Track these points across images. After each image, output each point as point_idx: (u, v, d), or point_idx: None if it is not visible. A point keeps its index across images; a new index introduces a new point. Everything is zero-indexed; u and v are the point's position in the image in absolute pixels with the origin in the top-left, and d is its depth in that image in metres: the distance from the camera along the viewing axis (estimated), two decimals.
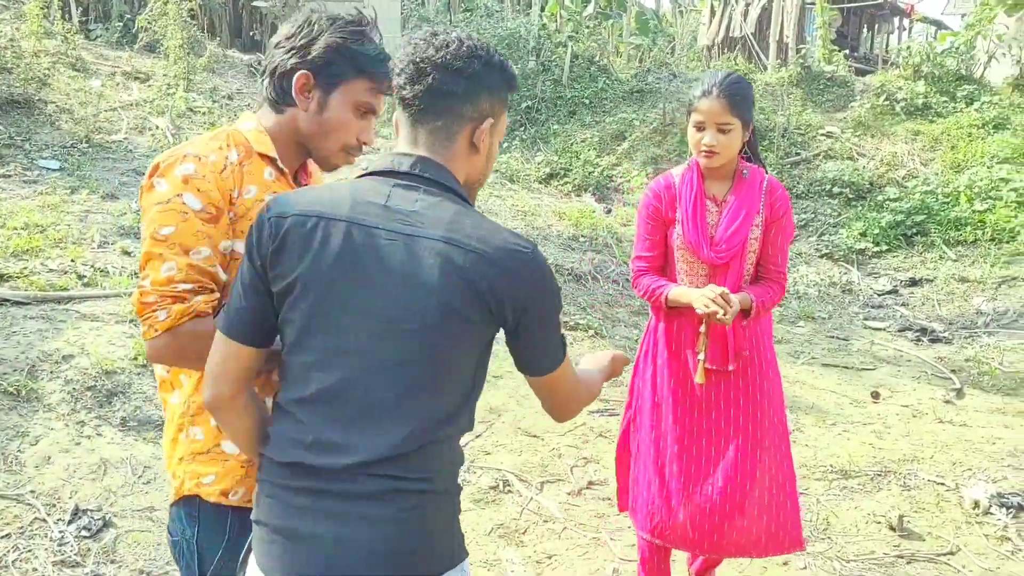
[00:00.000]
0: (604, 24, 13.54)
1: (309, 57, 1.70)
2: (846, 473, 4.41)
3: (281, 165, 1.76)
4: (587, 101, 12.07)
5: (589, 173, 10.36)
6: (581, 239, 8.00)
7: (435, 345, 1.43)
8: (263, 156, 1.74)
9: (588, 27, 13.18)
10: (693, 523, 2.81)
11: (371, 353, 1.44)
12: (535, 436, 4.62)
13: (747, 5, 19.19)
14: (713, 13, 19.72)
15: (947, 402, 5.49)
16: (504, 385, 5.19)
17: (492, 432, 4.63)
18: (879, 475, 4.41)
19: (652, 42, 14.61)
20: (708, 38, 19.28)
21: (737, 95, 2.68)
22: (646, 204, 2.85)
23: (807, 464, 4.49)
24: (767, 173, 2.88)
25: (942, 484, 4.30)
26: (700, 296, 2.65)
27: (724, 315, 2.60)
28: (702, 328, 2.75)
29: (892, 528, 3.82)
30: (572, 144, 11.00)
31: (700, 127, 2.70)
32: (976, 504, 4.02)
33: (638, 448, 2.96)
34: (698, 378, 2.77)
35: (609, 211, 9.37)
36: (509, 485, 4.10)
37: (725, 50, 18.33)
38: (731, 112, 2.67)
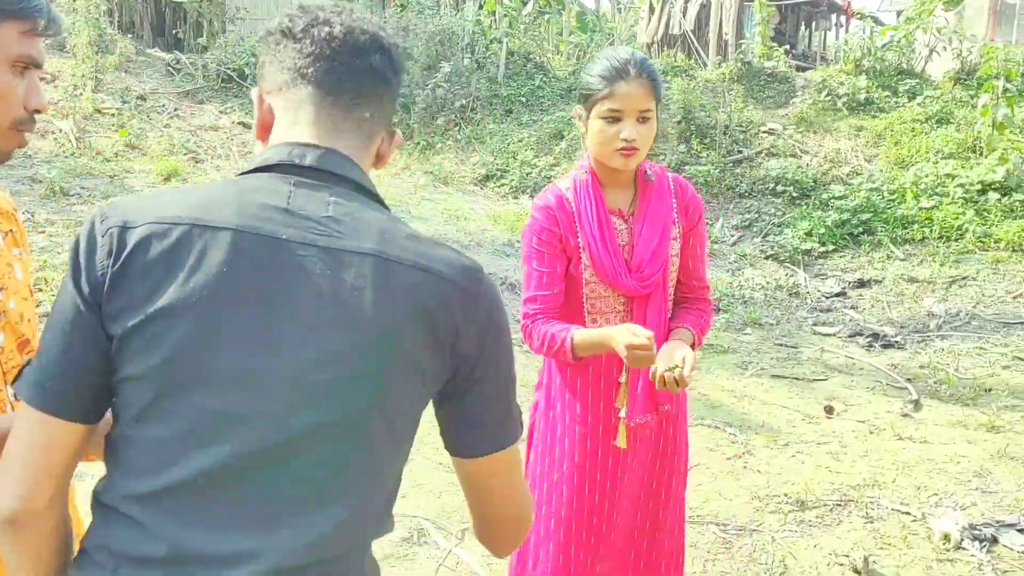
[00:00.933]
0: (541, 20, 13.10)
1: None
2: (803, 504, 3.98)
3: None
4: (524, 99, 11.60)
5: (527, 174, 9.89)
6: (516, 244, 7.50)
7: (377, 401, 1.05)
8: None
9: (524, 23, 12.72)
10: None
11: (279, 416, 1.01)
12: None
13: (686, 2, 18.96)
14: (652, 10, 19.46)
15: (905, 415, 5.13)
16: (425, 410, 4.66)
17: (408, 469, 4.09)
18: (839, 504, 4.00)
19: (590, 39, 14.22)
20: (648, 35, 18.98)
21: (656, 74, 2.16)
22: (537, 231, 2.20)
23: (759, 495, 4.06)
24: (669, 171, 2.36)
25: (907, 514, 3.91)
26: (625, 339, 1.98)
27: (687, 374, 2.03)
28: (622, 378, 2.21)
29: (857, 572, 3.40)
30: (509, 144, 10.52)
31: (614, 118, 2.11)
32: (947, 538, 3.63)
33: (538, 518, 2.34)
34: (620, 441, 2.23)
35: None
36: (425, 535, 3.58)
37: (665, 47, 18.06)
38: (652, 94, 2.13)
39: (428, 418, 3.75)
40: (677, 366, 2.03)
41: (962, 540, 3.60)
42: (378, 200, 1.14)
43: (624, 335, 1.99)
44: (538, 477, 2.32)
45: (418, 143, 10.73)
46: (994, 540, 3.63)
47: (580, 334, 2.11)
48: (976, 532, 3.66)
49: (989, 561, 3.46)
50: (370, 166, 1.19)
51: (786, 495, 4.07)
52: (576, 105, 2.25)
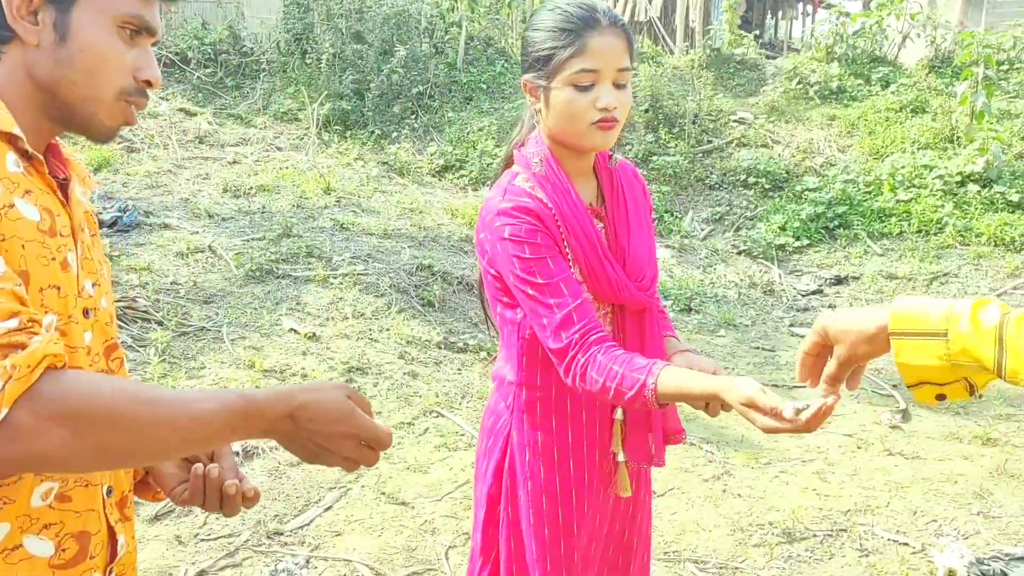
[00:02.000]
0: (502, 4, 12.57)
1: None
2: (790, 535, 3.55)
3: (28, 147, 1.10)
4: (484, 86, 11.05)
5: (487, 165, 9.37)
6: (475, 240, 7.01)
7: None
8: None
9: (484, 7, 12.17)
10: None
11: None
12: (402, 504, 3.62)
13: None
14: None
15: (894, 427, 4.73)
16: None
17: (347, 501, 3.60)
18: (830, 535, 3.58)
19: None
20: None
21: (626, 25, 1.67)
22: (529, 235, 1.63)
23: (741, 524, 3.63)
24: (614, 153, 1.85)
25: (906, 544, 3.50)
26: (764, 406, 1.40)
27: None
28: (617, 415, 1.76)
29: None
30: (468, 133, 9.98)
31: (587, 82, 1.61)
32: (951, 574, 3.22)
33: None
34: (623, 490, 1.80)
35: None
36: None
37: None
38: (628, 52, 1.64)
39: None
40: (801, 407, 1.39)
41: None
42: None
43: (762, 399, 1.39)
44: (506, 559, 1.82)
45: (372, 132, 10.16)
46: (1004, 575, 3.23)
47: (670, 379, 1.52)
48: (984, 568, 3.25)
49: None
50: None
51: (771, 524, 3.64)
52: (524, 76, 1.72)
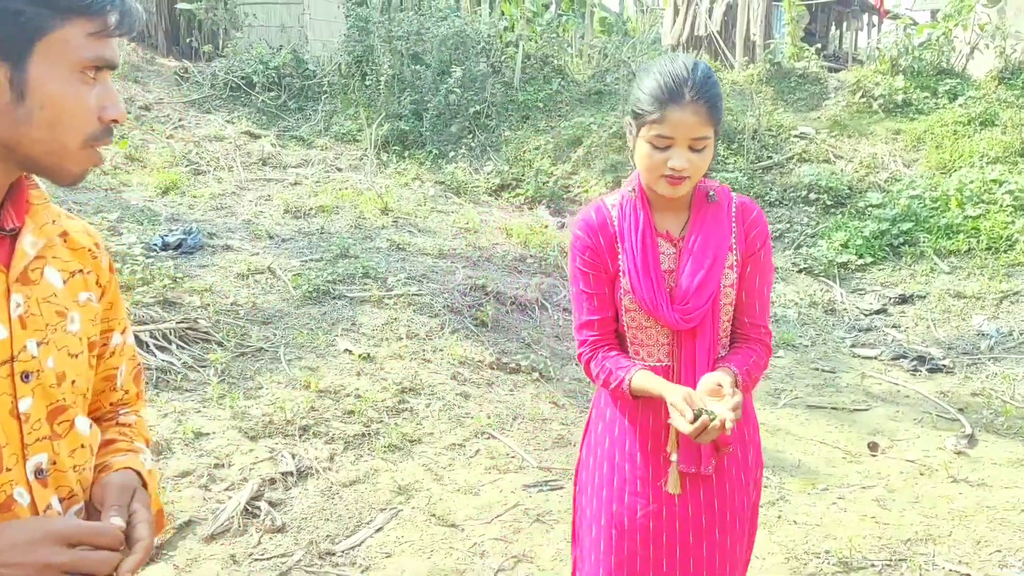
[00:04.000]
0: (560, 23, 12.62)
1: None
2: (847, 565, 3.46)
3: None
4: (541, 105, 11.10)
5: (543, 183, 9.40)
6: (529, 260, 7.02)
7: None
8: None
9: (541, 25, 12.24)
10: None
11: None
12: (452, 526, 3.63)
13: (712, 3, 18.43)
14: (676, 11, 18.95)
15: (959, 453, 4.58)
16: (420, 453, 4.20)
17: (397, 523, 3.63)
18: (888, 565, 3.48)
19: (610, 42, 13.73)
20: (672, 37, 18.48)
21: (716, 96, 1.86)
22: (580, 250, 1.99)
23: (796, 553, 3.55)
24: (732, 191, 2.02)
25: (968, 575, 3.37)
26: (680, 408, 1.79)
27: (729, 421, 1.76)
28: (671, 419, 1.89)
29: None
30: (524, 152, 10.03)
31: (663, 145, 1.84)
32: None
33: (582, 569, 2.13)
34: (671, 487, 1.97)
35: (563, 225, 8.41)
36: None
37: (690, 49, 17.54)
38: (709, 121, 1.83)
39: (425, 466, 3.25)
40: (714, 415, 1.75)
41: None
42: None
43: (676, 402, 1.80)
44: (587, 519, 2.10)
45: (430, 151, 10.29)
46: None
47: (639, 380, 1.92)
48: None
49: None
50: None
51: (827, 552, 3.55)
52: (626, 117, 1.95)
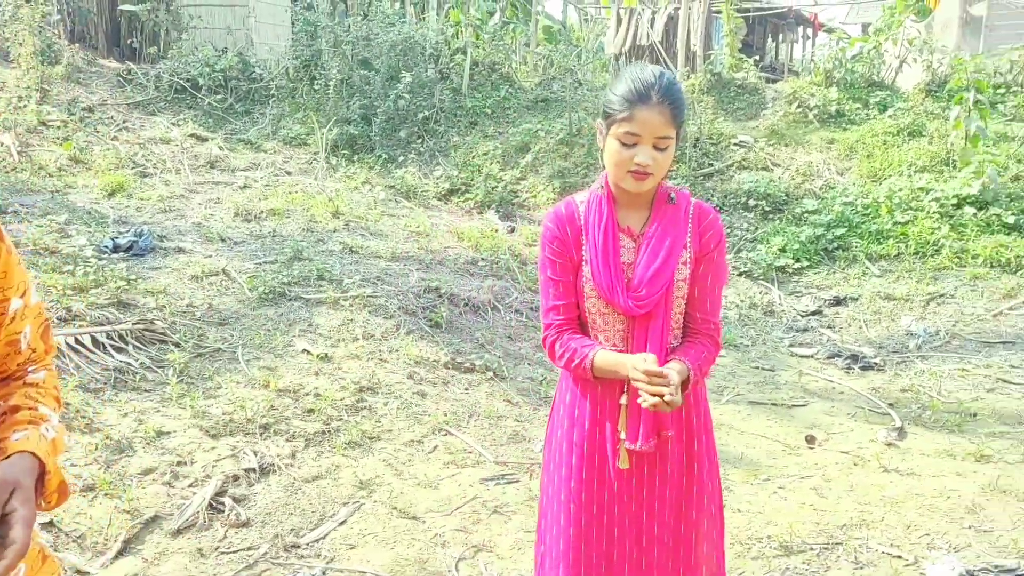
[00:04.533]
0: (506, 31, 12.81)
1: None
2: (787, 548, 3.67)
3: None
4: (489, 111, 11.27)
5: (492, 188, 9.57)
6: (481, 263, 7.17)
7: None
8: None
9: (489, 33, 12.41)
10: None
11: None
12: (413, 518, 3.75)
13: (653, 13, 18.83)
14: (619, 21, 19.30)
15: (889, 444, 4.85)
16: (380, 450, 4.31)
17: (360, 516, 3.73)
18: (826, 548, 3.70)
19: (556, 50, 13.97)
20: (615, 46, 18.82)
21: (679, 98, 2.07)
22: (548, 240, 2.20)
23: (740, 538, 3.75)
24: (692, 196, 2.23)
25: (899, 557, 3.61)
26: (636, 374, 1.98)
27: (670, 398, 1.95)
28: (622, 400, 2.15)
29: None
30: (473, 157, 10.18)
31: (631, 142, 2.05)
32: None
33: (544, 542, 2.33)
34: (621, 463, 2.18)
35: (513, 229, 8.58)
36: None
37: (632, 58, 17.90)
38: (673, 122, 2.05)
39: (385, 461, 3.37)
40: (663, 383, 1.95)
41: None
42: None
43: (638, 361, 1.99)
44: (550, 495, 2.30)
45: (379, 156, 10.36)
46: None
47: (601, 356, 2.12)
48: None
49: None
50: None
51: (769, 537, 3.76)
52: (598, 119, 2.17)
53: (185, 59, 11.89)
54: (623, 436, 2.14)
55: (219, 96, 11.47)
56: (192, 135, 10.23)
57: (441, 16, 13.57)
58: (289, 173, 9.65)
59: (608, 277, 2.10)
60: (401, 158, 10.30)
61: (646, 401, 1.94)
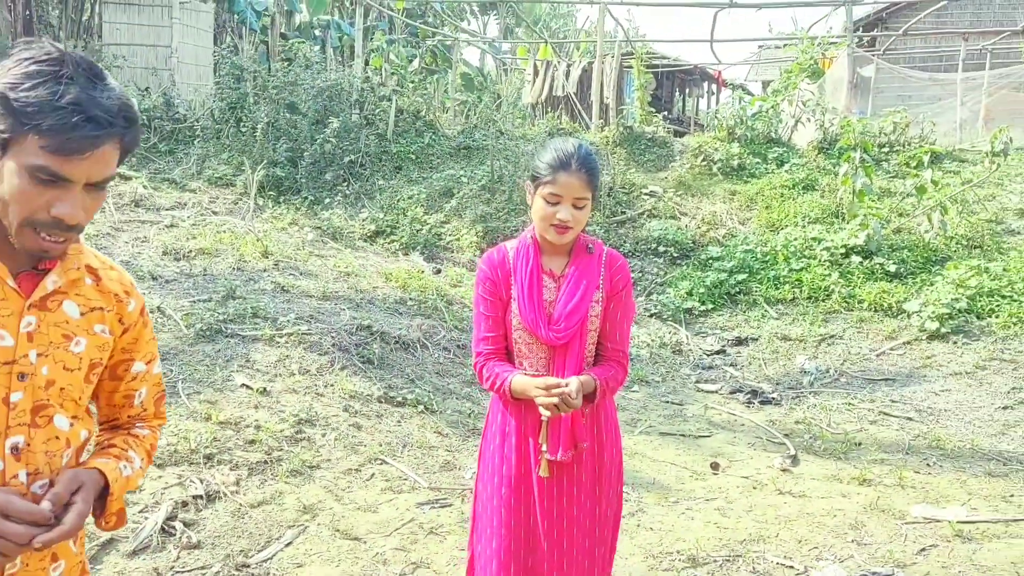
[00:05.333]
0: (430, 79, 13.30)
1: None
2: (694, 560, 4.11)
3: None
4: (413, 156, 11.68)
5: (417, 231, 9.93)
6: (409, 302, 7.50)
7: None
8: None
9: (413, 82, 12.87)
10: None
11: None
12: (355, 539, 4.04)
13: (568, 66, 19.66)
14: (536, 72, 20.06)
15: (784, 470, 5.37)
16: (320, 477, 4.58)
17: (305, 537, 4.00)
18: (728, 560, 4.14)
19: (478, 98, 14.52)
20: (532, 96, 19.56)
21: (594, 167, 2.52)
22: (482, 280, 2.61)
23: (653, 552, 4.16)
24: (605, 246, 2.68)
25: (791, 567, 4.08)
26: (537, 392, 2.42)
27: (568, 403, 2.37)
28: (544, 417, 2.50)
29: None
30: (399, 200, 10.55)
31: (554, 201, 2.47)
32: None
33: (480, 542, 2.69)
34: (542, 471, 2.55)
35: (439, 271, 8.94)
36: None
37: (549, 108, 18.63)
38: (589, 186, 2.49)
39: (326, 487, 3.68)
40: (563, 389, 2.37)
41: None
42: None
43: (538, 386, 2.41)
44: (484, 501, 2.66)
45: (306, 198, 10.62)
46: None
47: (516, 380, 2.49)
48: None
49: None
50: None
51: (678, 552, 4.18)
52: (527, 180, 2.59)
53: None
54: (544, 448, 2.51)
55: (142, 135, 11.54)
56: (118, 175, 10.27)
57: (360, 62, 13.98)
58: (216, 213, 9.81)
59: (532, 312, 2.51)
60: (327, 200, 10.58)
61: (544, 410, 2.38)
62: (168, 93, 12.56)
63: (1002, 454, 5.68)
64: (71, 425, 1.60)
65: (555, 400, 2.35)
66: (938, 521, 4.57)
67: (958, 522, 4.53)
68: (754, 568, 4.07)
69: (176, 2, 14.66)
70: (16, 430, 1.50)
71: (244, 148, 11.27)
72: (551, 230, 2.48)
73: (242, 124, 11.44)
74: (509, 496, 2.58)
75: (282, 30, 19.48)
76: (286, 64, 12.28)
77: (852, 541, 4.39)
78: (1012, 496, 4.98)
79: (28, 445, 1.52)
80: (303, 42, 13.04)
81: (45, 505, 1.46)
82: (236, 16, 18.47)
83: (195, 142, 11.64)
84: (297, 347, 5.95)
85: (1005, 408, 6.48)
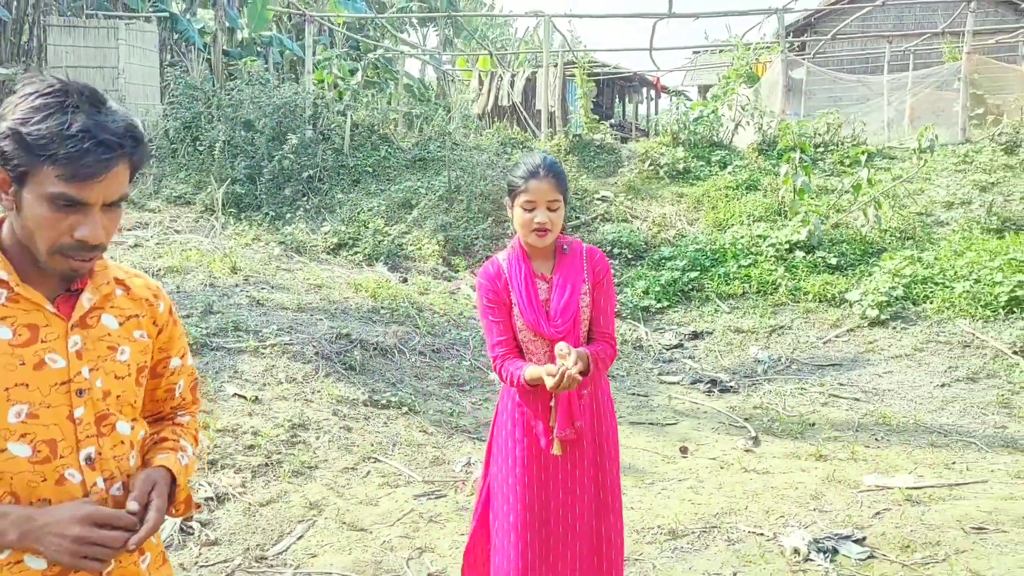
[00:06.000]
0: (377, 93, 13.57)
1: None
2: (674, 533, 4.48)
3: (16, 287, 1.54)
4: (371, 170, 11.93)
5: (379, 242, 10.18)
6: (382, 311, 7.77)
7: None
8: None
9: (366, 96, 13.12)
10: None
11: None
12: (362, 530, 4.32)
13: (513, 76, 20.08)
14: (481, 83, 20.44)
15: (747, 451, 5.79)
16: (320, 476, 4.85)
17: (315, 531, 4.27)
18: (704, 531, 4.52)
19: (430, 110, 14.82)
20: (479, 107, 19.92)
21: (561, 173, 2.88)
22: (484, 293, 2.91)
23: (637, 528, 4.52)
24: (583, 243, 3.04)
25: (761, 535, 4.48)
26: (548, 377, 2.69)
27: (572, 370, 2.65)
28: (552, 402, 2.83)
29: None
30: (359, 213, 10.79)
31: (530, 207, 2.80)
32: (796, 551, 4.21)
33: (497, 518, 2.97)
34: (555, 450, 2.85)
35: (405, 280, 9.22)
36: None
37: (496, 118, 19.01)
38: (558, 189, 2.82)
39: (328, 485, 3.99)
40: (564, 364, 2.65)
41: (809, 553, 4.19)
42: None
43: (549, 368, 2.70)
44: (499, 482, 2.95)
45: (267, 214, 10.79)
46: (835, 551, 4.25)
47: (528, 371, 2.80)
48: (819, 545, 4.27)
49: (833, 568, 4.06)
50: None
51: (659, 527, 4.55)
52: (505, 197, 2.95)
53: None
54: (555, 428, 2.82)
55: None
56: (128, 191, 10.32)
57: (311, 78, 14.17)
58: (178, 231, 9.93)
59: (532, 313, 2.84)
60: (288, 215, 10.77)
61: (551, 382, 2.64)
62: None
63: (942, 427, 6.20)
64: (131, 428, 1.71)
65: (557, 372, 2.65)
66: (889, 488, 5.03)
67: (907, 488, 4.99)
68: (728, 537, 4.46)
69: (122, 23, 14.67)
70: (86, 443, 1.60)
71: (202, 167, 11.39)
72: (532, 235, 2.81)
73: (199, 143, 11.56)
74: (523, 475, 2.89)
75: (224, 47, 19.52)
76: (237, 82, 12.42)
77: (814, 509, 4.81)
78: (954, 464, 5.48)
79: (100, 454, 1.62)
80: (254, 60, 13.19)
81: (132, 506, 1.59)
82: (179, 35, 18.46)
83: (151, 162, 11.70)
84: (281, 357, 6.19)
85: (943, 386, 7.02)
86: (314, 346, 6.43)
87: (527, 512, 2.88)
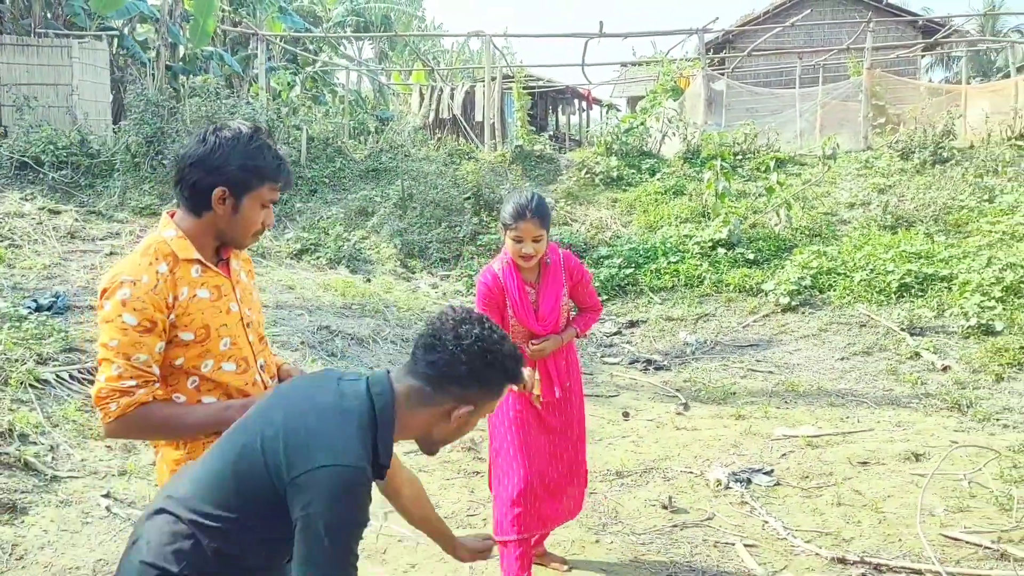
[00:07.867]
0: (315, 106, 14.34)
1: (223, 176, 2.17)
2: (620, 473, 5.46)
3: (206, 262, 2.24)
4: (327, 180, 12.72)
5: (340, 247, 10.98)
6: (354, 307, 8.61)
7: None
8: (188, 260, 2.21)
9: (321, 112, 13.91)
10: (550, 505, 3.74)
11: None
12: None
13: (452, 89, 21.02)
14: (422, 96, 21.32)
15: (679, 414, 6.83)
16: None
17: None
18: (645, 472, 5.52)
19: (384, 124, 15.66)
20: (420, 119, 20.80)
21: (545, 214, 3.63)
22: (484, 295, 3.70)
23: (590, 470, 5.49)
24: (560, 249, 3.88)
25: (691, 472, 5.50)
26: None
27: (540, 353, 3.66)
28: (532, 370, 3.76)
29: (664, 507, 4.89)
30: (319, 220, 11.57)
31: (518, 240, 3.57)
32: (719, 482, 5.24)
33: (501, 458, 3.81)
34: (535, 401, 3.81)
35: (369, 280, 10.05)
36: None
37: (436, 130, 19.91)
38: (542, 226, 3.61)
39: None
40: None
41: (728, 483, 5.22)
42: (373, 408, 1.90)
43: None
44: (501, 435, 3.79)
45: None
46: (749, 481, 5.29)
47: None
48: (737, 476, 5.30)
49: (747, 493, 5.09)
50: (429, 419, 1.99)
51: (608, 470, 5.53)
52: (500, 224, 3.77)
53: (27, 137, 12.42)
54: (536, 393, 3.76)
55: (63, 172, 12.12)
56: (46, 209, 10.87)
57: (265, 94, 14.89)
58: None
59: (525, 314, 3.71)
60: None
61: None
62: (82, 131, 13.12)
63: (840, 392, 7.34)
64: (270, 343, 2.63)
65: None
66: (794, 437, 6.11)
67: (808, 436, 6.08)
68: (664, 476, 5.47)
69: (75, 42, 15.13)
70: (259, 355, 2.38)
71: (165, 179, 12.02)
72: (520, 260, 3.61)
73: (161, 156, 12.19)
74: (520, 421, 3.77)
75: (167, 62, 20.01)
76: (197, 100, 13.07)
77: (733, 454, 5.85)
78: (847, 418, 6.60)
79: (265, 361, 2.43)
80: (210, 77, 13.83)
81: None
82: (125, 51, 18.89)
83: (114, 175, 12.28)
84: (271, 346, 6.99)
85: (842, 359, 8.19)
86: (299, 336, 7.26)
87: (526, 450, 3.73)
